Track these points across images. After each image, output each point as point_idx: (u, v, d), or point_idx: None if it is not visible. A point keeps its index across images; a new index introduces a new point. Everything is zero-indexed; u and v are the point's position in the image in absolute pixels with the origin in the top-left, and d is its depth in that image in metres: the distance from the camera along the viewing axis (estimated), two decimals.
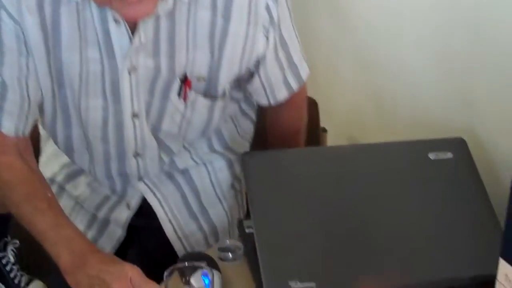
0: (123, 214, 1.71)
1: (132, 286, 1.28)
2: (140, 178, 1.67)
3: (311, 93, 1.83)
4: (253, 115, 1.84)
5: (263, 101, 1.68)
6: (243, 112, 1.81)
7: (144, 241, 1.77)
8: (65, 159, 1.72)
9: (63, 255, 1.34)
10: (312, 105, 1.92)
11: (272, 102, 1.67)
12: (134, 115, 1.53)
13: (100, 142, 1.59)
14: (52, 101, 1.53)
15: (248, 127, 1.84)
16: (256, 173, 1.49)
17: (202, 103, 1.57)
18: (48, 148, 1.78)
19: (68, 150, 1.66)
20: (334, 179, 1.48)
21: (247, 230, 1.55)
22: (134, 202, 1.71)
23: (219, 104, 1.60)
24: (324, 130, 2.01)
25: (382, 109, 2.05)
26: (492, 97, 1.63)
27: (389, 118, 2.01)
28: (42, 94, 1.51)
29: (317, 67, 1.88)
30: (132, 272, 1.29)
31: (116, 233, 1.72)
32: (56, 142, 1.66)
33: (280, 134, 1.78)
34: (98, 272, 1.30)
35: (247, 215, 1.61)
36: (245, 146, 1.84)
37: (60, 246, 1.36)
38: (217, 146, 1.78)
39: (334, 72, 2.22)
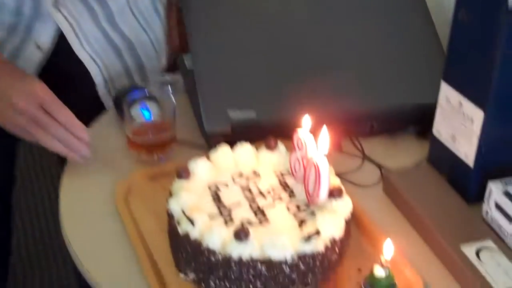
0: (35, 56, 1.57)
1: (39, 104, 1.20)
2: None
3: None
4: None
5: None
6: None
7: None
8: None
9: None
10: None
11: None
12: None
13: None
14: None
15: None
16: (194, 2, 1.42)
17: None
18: None
19: None
20: (276, 8, 1.42)
21: (186, 63, 1.49)
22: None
23: None
24: None
25: None
26: None
27: None
28: None
29: None
30: (41, 89, 1.21)
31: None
32: None
33: None
34: (3, 86, 1.22)
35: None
36: None
37: None
38: None
39: None
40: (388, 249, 1.00)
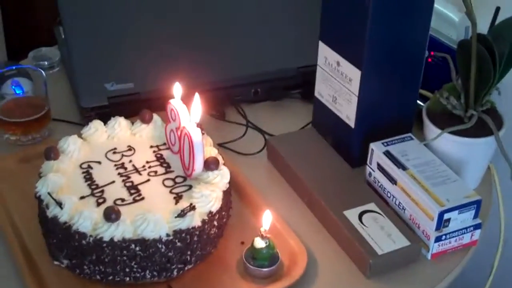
0: None
1: None
2: None
3: None
4: None
5: None
6: None
7: None
8: None
9: None
10: None
11: None
12: None
13: None
14: None
15: None
16: None
17: None
18: None
19: None
20: None
21: (62, 36, 1.41)
22: None
23: None
24: None
25: None
26: None
27: None
28: None
29: None
30: None
31: None
32: None
33: None
34: None
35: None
36: None
37: None
38: None
39: None
40: (267, 219, 0.97)
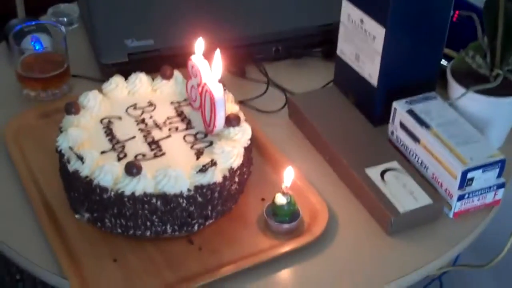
0: None
1: None
2: None
3: None
4: None
5: None
6: None
7: None
8: None
9: None
10: None
11: None
12: None
13: None
14: None
15: None
16: None
17: None
18: None
19: None
20: None
21: None
22: None
23: None
24: None
25: None
26: None
27: None
28: None
29: None
30: None
31: None
32: None
33: None
34: None
35: None
36: None
37: None
38: None
39: None
40: (288, 176, 0.97)
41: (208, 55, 1.02)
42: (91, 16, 1.27)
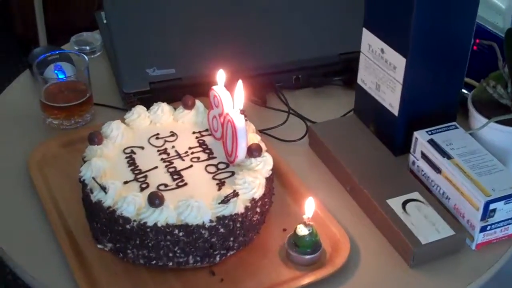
0: None
1: None
2: None
3: None
4: None
5: None
6: None
7: None
8: None
9: None
10: None
11: None
12: None
13: None
14: None
15: None
16: None
17: None
18: None
19: None
20: None
21: (104, 21, 1.42)
22: None
23: None
24: None
25: None
26: None
27: None
28: None
29: None
30: None
31: None
32: None
33: None
34: None
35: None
36: None
37: None
38: None
39: None
40: (309, 207, 0.97)
41: (229, 83, 1.03)
42: (114, 46, 1.29)
